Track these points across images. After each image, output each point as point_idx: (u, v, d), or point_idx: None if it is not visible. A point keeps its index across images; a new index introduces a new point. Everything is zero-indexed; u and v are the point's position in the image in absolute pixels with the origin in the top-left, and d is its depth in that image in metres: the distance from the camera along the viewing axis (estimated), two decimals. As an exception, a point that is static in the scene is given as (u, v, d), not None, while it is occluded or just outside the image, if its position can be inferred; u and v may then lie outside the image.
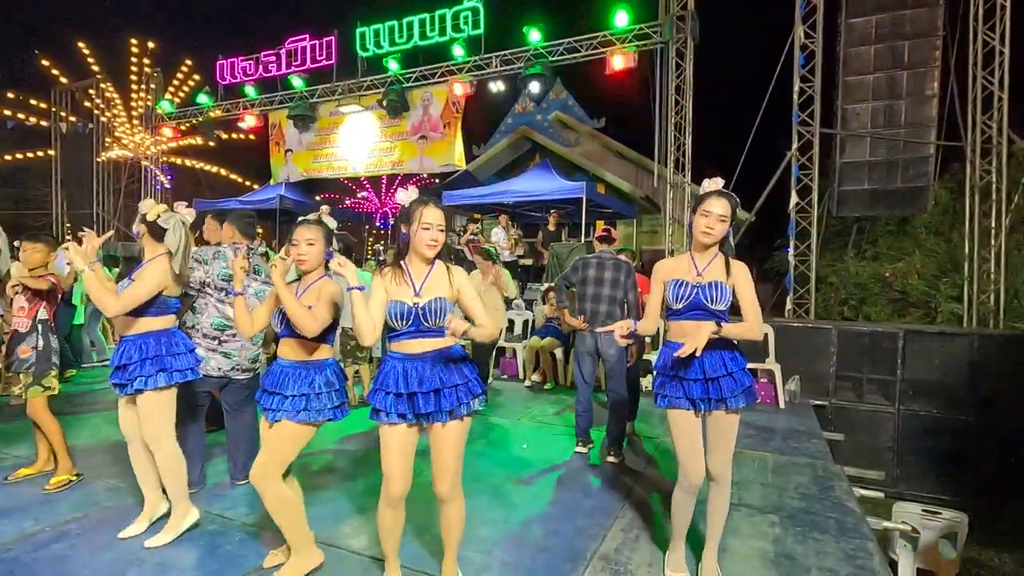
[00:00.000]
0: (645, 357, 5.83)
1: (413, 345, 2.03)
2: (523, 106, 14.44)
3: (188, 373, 2.66)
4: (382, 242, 22.01)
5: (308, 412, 2.17)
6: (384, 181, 22.91)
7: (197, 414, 3.20)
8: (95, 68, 14.10)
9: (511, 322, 7.58)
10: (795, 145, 7.90)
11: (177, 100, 14.33)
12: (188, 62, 14.82)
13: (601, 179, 12.37)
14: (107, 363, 7.02)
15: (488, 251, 5.41)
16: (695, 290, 2.22)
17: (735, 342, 2.29)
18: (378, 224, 22.58)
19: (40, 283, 3.30)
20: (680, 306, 2.26)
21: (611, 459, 3.89)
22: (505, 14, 10.52)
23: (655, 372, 2.39)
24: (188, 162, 15.85)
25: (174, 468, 2.61)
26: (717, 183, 2.29)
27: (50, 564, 2.42)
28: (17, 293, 3.30)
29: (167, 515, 2.72)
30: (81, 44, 13.90)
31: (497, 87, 10.27)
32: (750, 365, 5.79)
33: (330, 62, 11.36)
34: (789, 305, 7.99)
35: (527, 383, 6.49)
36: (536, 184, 9.74)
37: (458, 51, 10.16)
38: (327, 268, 2.28)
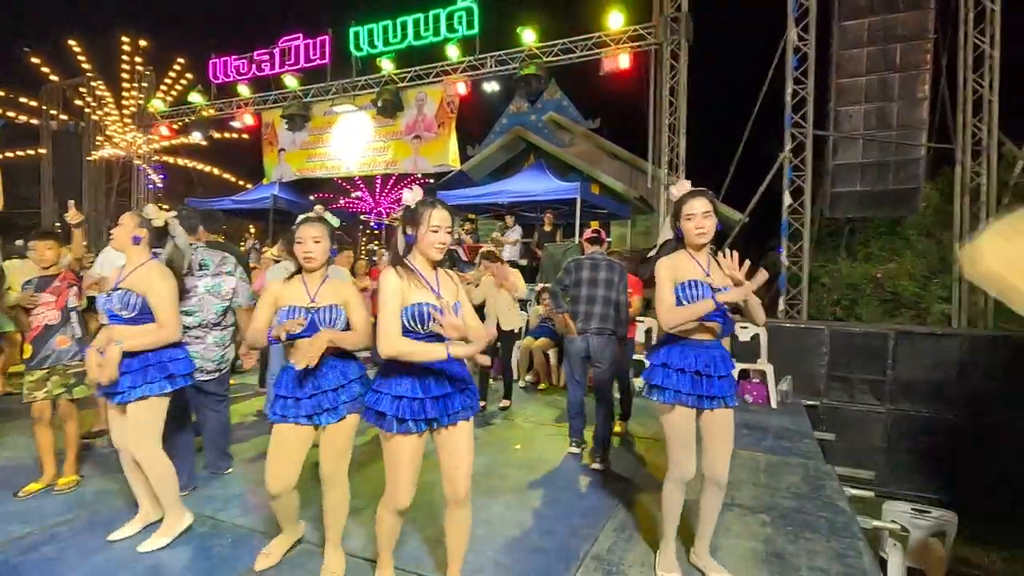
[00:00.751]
0: (637, 357, 5.86)
1: (436, 348, 1.94)
2: (517, 106, 14.45)
3: (186, 379, 2.64)
4: (376, 242, 21.98)
5: (357, 401, 2.25)
6: (378, 181, 22.87)
7: (185, 416, 3.19)
8: (86, 66, 14.00)
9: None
10: (788, 147, 7.94)
11: (169, 99, 14.25)
12: (180, 60, 14.76)
13: (595, 180, 12.40)
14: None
15: (494, 254, 5.41)
16: (711, 291, 2.23)
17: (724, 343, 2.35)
18: (372, 224, 22.54)
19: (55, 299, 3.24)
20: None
21: (596, 465, 3.83)
22: (500, 14, 10.53)
23: (651, 365, 2.39)
24: (180, 161, 15.77)
25: (163, 474, 2.56)
26: (685, 185, 2.34)
27: (39, 567, 2.40)
28: (34, 296, 3.23)
29: (160, 520, 2.69)
30: (72, 42, 13.80)
31: (491, 87, 10.27)
32: (744, 365, 5.86)
33: (324, 61, 11.32)
34: (782, 305, 8.03)
35: (521, 384, 6.50)
36: (531, 184, 9.75)
37: (452, 51, 10.15)
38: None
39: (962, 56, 7.46)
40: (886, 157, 7.40)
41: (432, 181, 14.55)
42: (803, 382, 6.17)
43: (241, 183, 16.54)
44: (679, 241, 2.37)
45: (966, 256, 1.19)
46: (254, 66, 11.92)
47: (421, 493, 2.34)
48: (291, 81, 11.65)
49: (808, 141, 7.87)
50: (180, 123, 13.52)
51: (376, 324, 1.95)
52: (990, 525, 4.95)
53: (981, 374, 5.71)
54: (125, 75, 14.28)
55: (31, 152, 14.55)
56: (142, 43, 14.22)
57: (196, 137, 12.91)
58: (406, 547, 2.57)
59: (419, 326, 1.92)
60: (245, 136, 13.58)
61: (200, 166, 16.26)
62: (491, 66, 10.05)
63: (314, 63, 11.40)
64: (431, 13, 10.17)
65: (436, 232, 1.97)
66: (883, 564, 3.35)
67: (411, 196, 2.04)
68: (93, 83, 13.99)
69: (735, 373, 2.38)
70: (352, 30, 10.92)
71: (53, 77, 14.09)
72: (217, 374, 3.23)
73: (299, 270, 2.33)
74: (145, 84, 14.02)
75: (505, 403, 5.39)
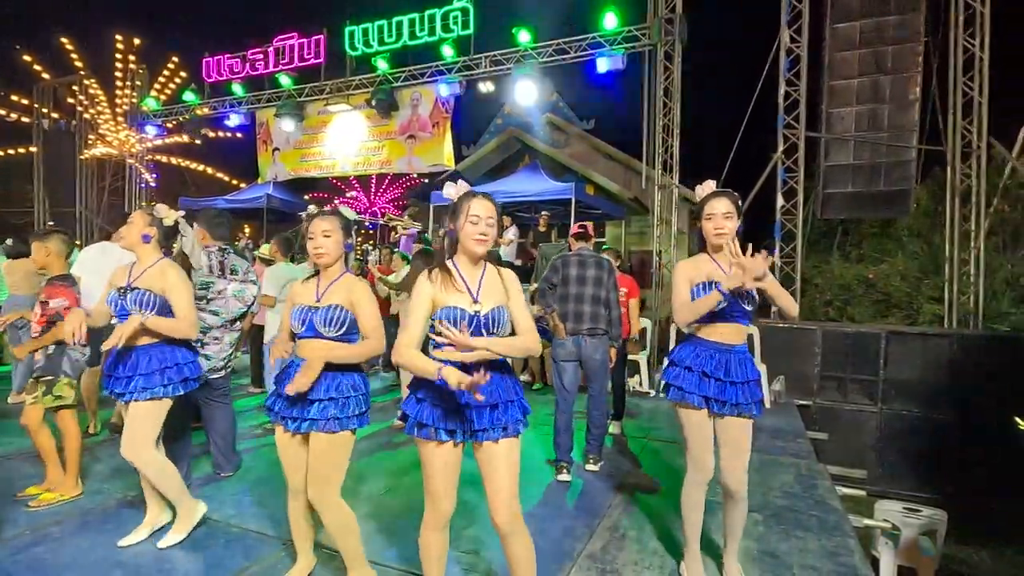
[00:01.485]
0: (632, 358, 5.88)
1: (468, 356, 1.76)
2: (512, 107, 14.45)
3: (191, 384, 2.62)
4: (371, 242, 21.91)
5: (339, 420, 2.06)
6: (373, 181, 22.82)
7: (187, 416, 3.22)
8: (78, 64, 13.89)
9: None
10: (781, 148, 7.99)
11: (163, 97, 14.15)
12: (174, 59, 14.65)
13: (590, 180, 12.41)
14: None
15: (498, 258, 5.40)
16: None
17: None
18: (367, 224, 22.47)
19: (50, 336, 3.07)
20: (723, 305, 2.20)
21: (591, 467, 3.75)
22: (495, 15, 10.52)
23: (669, 363, 2.35)
24: (174, 160, 15.66)
25: (161, 472, 2.55)
26: (710, 185, 2.31)
27: (30, 568, 2.38)
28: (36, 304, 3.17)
29: (170, 523, 2.68)
30: (64, 40, 13.69)
31: (486, 87, 10.27)
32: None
33: (318, 61, 11.29)
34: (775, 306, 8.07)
35: (515, 383, 6.49)
36: (525, 185, 9.75)
37: (447, 51, 10.14)
38: (346, 262, 2.24)
39: (952, 59, 7.54)
40: (877, 159, 7.46)
41: (427, 181, 14.53)
42: (796, 382, 6.21)
43: (234, 182, 16.45)
44: (701, 243, 2.32)
45: None
46: (248, 65, 11.86)
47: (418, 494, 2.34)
48: (285, 80, 11.61)
49: (801, 143, 7.92)
50: (173, 122, 13.44)
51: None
52: (980, 524, 5.00)
53: (972, 374, 5.77)
54: (118, 73, 14.17)
55: (22, 150, 14.42)
56: (135, 41, 14.11)
57: (193, 135, 12.84)
58: (403, 547, 2.58)
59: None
60: (239, 135, 13.51)
61: (193, 165, 16.15)
62: (486, 66, 10.05)
63: (308, 62, 11.35)
64: (426, 13, 10.15)
65: (476, 224, 1.80)
66: (875, 562, 3.38)
67: (453, 190, 1.89)
68: (86, 81, 13.88)
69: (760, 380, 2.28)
70: (347, 29, 10.89)
71: (45, 75, 13.98)
72: (225, 371, 3.36)
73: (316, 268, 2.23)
74: (139, 82, 13.91)
75: None
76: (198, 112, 12.60)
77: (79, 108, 13.92)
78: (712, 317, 2.23)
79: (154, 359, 2.49)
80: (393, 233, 10.12)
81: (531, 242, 9.84)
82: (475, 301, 1.81)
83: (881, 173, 7.45)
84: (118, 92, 14.25)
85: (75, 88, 13.87)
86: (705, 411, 2.24)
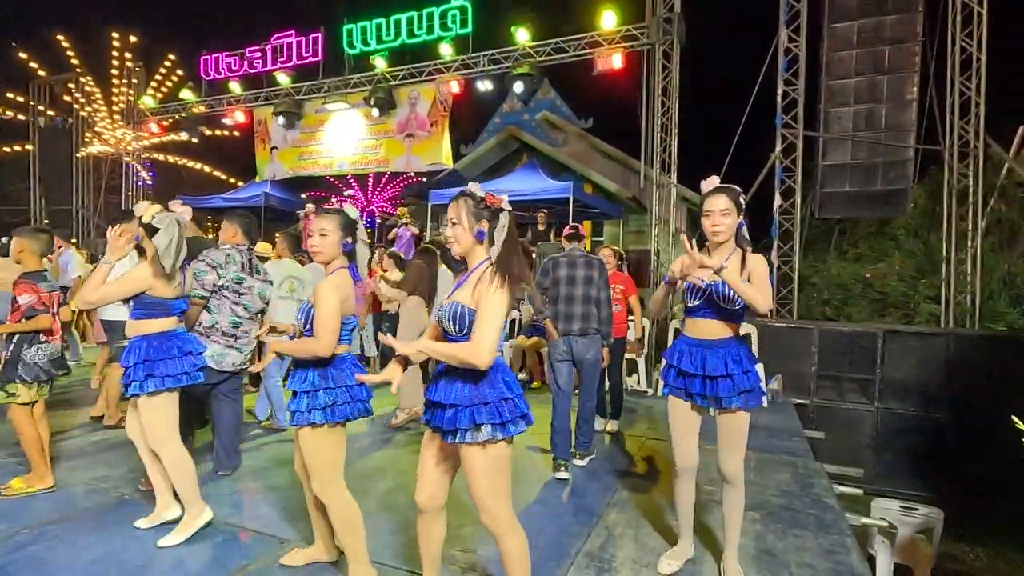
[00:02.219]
0: (629, 356, 5.88)
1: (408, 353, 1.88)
2: (510, 105, 14.43)
3: (183, 378, 2.60)
4: (369, 241, 21.86)
5: (302, 414, 2.09)
6: (371, 179, 22.77)
7: (192, 412, 3.28)
8: (75, 61, 13.83)
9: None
10: (778, 147, 8.00)
11: (160, 95, 14.12)
12: (171, 57, 14.61)
13: (588, 179, 12.40)
14: (78, 362, 6.94)
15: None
16: (709, 287, 2.23)
17: (742, 341, 2.33)
18: (364, 223, 22.42)
19: (37, 323, 3.12)
20: (696, 303, 2.28)
21: (578, 462, 3.77)
22: (493, 13, 10.51)
23: (665, 363, 2.43)
24: (171, 158, 15.62)
25: (182, 469, 2.58)
26: (712, 182, 2.33)
27: (28, 566, 2.38)
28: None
29: (176, 520, 2.68)
30: (60, 37, 13.63)
31: (485, 86, 10.26)
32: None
33: (316, 59, 11.26)
34: (772, 305, 8.09)
35: (513, 382, 6.49)
36: (524, 184, 9.75)
37: (446, 49, 10.13)
38: (351, 260, 2.27)
39: (949, 59, 7.56)
40: (875, 158, 7.48)
41: (425, 180, 14.52)
42: (793, 381, 6.23)
43: (232, 181, 16.42)
44: (702, 240, 2.34)
45: None
46: (246, 63, 11.83)
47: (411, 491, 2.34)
48: (283, 78, 11.58)
49: (799, 142, 7.94)
50: (170, 120, 13.41)
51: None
52: (976, 522, 5.02)
53: (968, 373, 5.79)
54: (115, 71, 14.12)
55: (19, 148, 14.36)
56: (132, 38, 14.06)
57: (190, 133, 12.79)
58: (399, 546, 2.58)
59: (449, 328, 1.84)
60: (236, 133, 13.48)
61: (191, 163, 16.11)
62: (484, 65, 10.04)
63: (306, 60, 11.33)
64: (425, 11, 10.14)
65: (447, 226, 1.89)
66: (871, 561, 3.39)
67: (478, 188, 1.93)
68: (82, 79, 13.82)
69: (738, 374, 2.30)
70: (345, 27, 10.87)
71: (41, 72, 13.92)
72: (250, 363, 3.43)
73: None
74: (135, 80, 13.87)
75: None
76: (195, 110, 12.57)
77: (75, 106, 13.88)
78: (691, 314, 2.32)
79: (133, 354, 2.53)
80: (387, 233, 10.10)
81: (529, 241, 9.84)
82: (448, 297, 1.88)
83: (878, 172, 7.47)
84: (115, 90, 14.21)
85: (71, 85, 13.83)
86: (688, 404, 2.32)
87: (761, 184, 8.19)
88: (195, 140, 13.14)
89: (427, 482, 1.92)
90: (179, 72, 14.48)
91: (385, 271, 6.18)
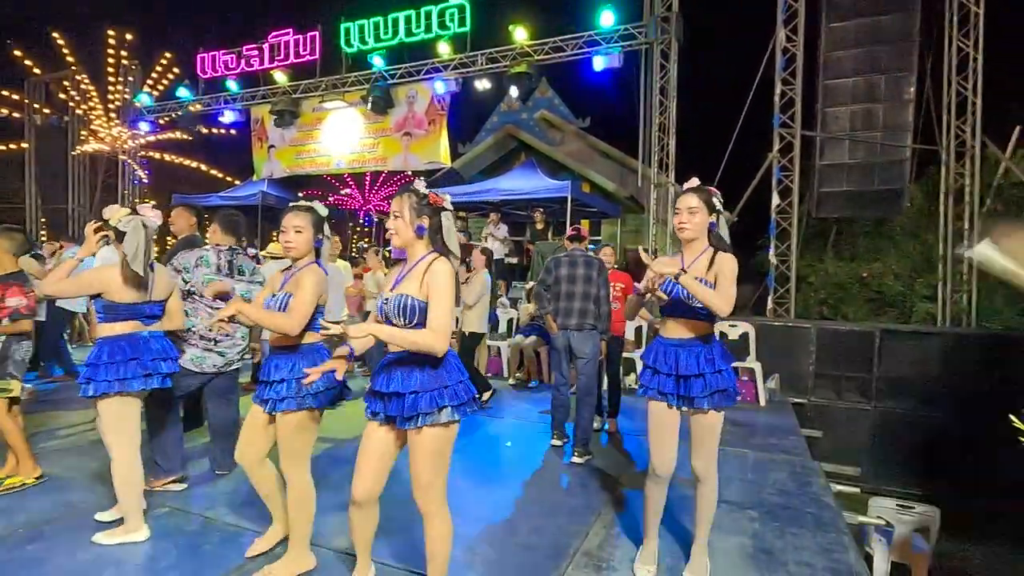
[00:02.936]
0: (626, 355, 5.89)
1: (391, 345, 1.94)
2: (508, 104, 14.42)
3: (148, 380, 2.55)
4: (366, 239, 21.85)
5: (291, 399, 2.18)
6: (368, 178, 22.74)
7: (174, 405, 3.23)
8: (70, 59, 13.76)
9: (496, 320, 7.59)
10: (776, 147, 8.01)
11: (156, 93, 14.06)
12: (167, 55, 14.56)
13: (586, 178, 12.41)
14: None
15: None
16: (674, 286, 2.23)
17: (718, 339, 2.34)
18: (362, 221, 22.40)
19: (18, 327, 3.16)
20: (667, 302, 2.30)
21: (576, 459, 3.84)
22: (491, 12, 10.49)
23: (644, 364, 2.43)
24: (167, 157, 15.56)
25: (125, 477, 2.52)
26: (693, 182, 2.37)
27: (24, 566, 2.37)
28: None
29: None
30: (56, 34, 13.56)
31: (483, 85, 10.24)
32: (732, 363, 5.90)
33: (314, 57, 11.23)
34: (770, 304, 8.11)
35: (511, 381, 6.51)
36: (521, 183, 9.75)
37: (444, 48, 10.11)
38: (317, 256, 2.35)
39: (946, 59, 7.58)
40: (872, 158, 7.49)
41: (423, 178, 14.49)
42: (790, 380, 6.24)
43: (229, 179, 16.37)
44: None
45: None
46: (243, 61, 11.77)
47: (403, 490, 2.33)
48: (280, 77, 11.54)
49: (796, 141, 7.95)
50: (167, 118, 13.35)
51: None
52: (973, 520, 5.04)
53: (965, 372, 5.81)
54: (111, 69, 14.05)
55: (14, 147, 14.28)
56: (128, 36, 13.99)
57: (187, 131, 12.74)
58: (394, 544, 2.57)
59: (387, 318, 1.91)
60: (233, 132, 13.43)
61: (188, 162, 16.05)
62: (482, 64, 10.02)
63: (304, 59, 11.29)
64: (423, 10, 10.12)
65: (390, 219, 1.96)
66: (868, 559, 3.40)
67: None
68: (78, 77, 13.75)
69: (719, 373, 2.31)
70: (343, 26, 10.84)
71: (37, 70, 13.85)
72: (239, 364, 3.40)
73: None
74: (131, 78, 13.80)
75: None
76: (192, 108, 12.52)
77: (71, 104, 13.80)
78: (667, 315, 2.33)
79: (94, 355, 2.52)
80: (386, 233, 10.07)
81: (528, 240, 9.84)
82: (391, 289, 1.92)
83: (875, 172, 7.49)
84: (111, 88, 14.14)
85: (67, 83, 13.76)
86: (664, 404, 2.32)
87: (759, 183, 8.20)
88: (192, 138, 13.09)
89: (369, 475, 1.98)
90: (175, 70, 14.43)
91: (370, 269, 6.17)
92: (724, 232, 2.33)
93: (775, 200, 8.08)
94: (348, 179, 22.72)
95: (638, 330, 6.49)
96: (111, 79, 14.09)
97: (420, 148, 10.83)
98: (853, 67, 7.50)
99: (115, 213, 2.56)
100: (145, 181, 14.43)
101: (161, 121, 13.50)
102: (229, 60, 11.91)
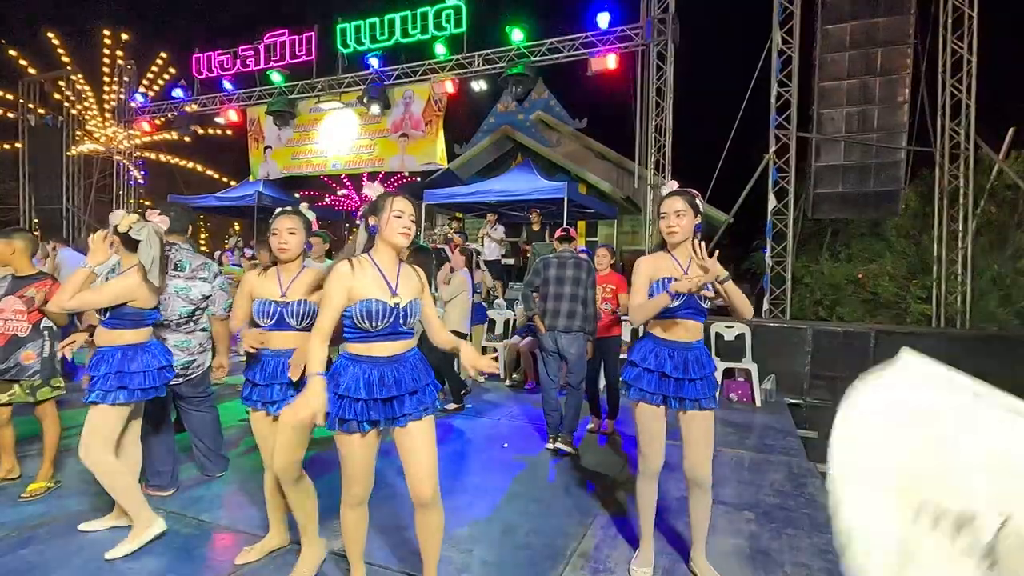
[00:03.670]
0: (623, 357, 5.88)
1: (386, 347, 1.91)
2: (505, 105, 14.43)
3: (151, 392, 2.56)
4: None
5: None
6: (365, 179, 22.72)
7: (163, 418, 3.16)
8: (65, 59, 13.70)
9: (492, 322, 7.58)
10: (772, 148, 8.03)
11: (151, 93, 14.01)
12: (163, 55, 14.51)
13: (582, 179, 12.43)
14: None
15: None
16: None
17: (702, 341, 2.37)
18: (358, 222, 22.31)
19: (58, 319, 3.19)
20: (676, 303, 2.26)
21: (562, 445, 4.01)
22: (488, 13, 10.51)
23: (629, 362, 2.42)
24: (163, 157, 15.50)
25: (111, 480, 2.49)
26: (671, 185, 2.39)
27: (17, 570, 2.35)
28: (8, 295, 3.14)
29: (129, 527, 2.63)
30: (51, 34, 13.50)
31: (479, 86, 10.25)
32: (728, 364, 5.91)
33: (310, 58, 11.21)
34: (766, 305, 8.13)
35: (507, 383, 6.50)
36: (518, 184, 9.75)
37: (440, 49, 10.11)
38: (305, 258, 2.44)
39: (941, 61, 7.62)
40: (867, 159, 7.52)
41: (419, 179, 14.49)
42: (787, 381, 6.25)
43: (225, 180, 16.33)
44: (662, 240, 2.39)
45: None
46: (239, 61, 11.74)
47: (395, 490, 2.33)
48: (277, 77, 11.51)
49: (792, 143, 7.97)
50: (162, 118, 13.30)
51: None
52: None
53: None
54: (106, 69, 13.99)
55: (8, 147, 14.20)
56: (124, 36, 13.94)
57: (182, 132, 12.69)
58: (389, 546, 2.57)
59: (368, 323, 1.85)
60: (229, 132, 13.40)
61: (183, 162, 16.00)
62: (479, 65, 10.03)
63: (300, 59, 11.27)
64: (419, 11, 10.11)
65: (400, 217, 1.93)
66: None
67: (372, 189, 2.05)
68: (73, 77, 13.68)
69: (718, 374, 2.36)
70: (339, 27, 10.82)
71: (31, 70, 13.77)
72: (182, 378, 3.13)
73: (275, 262, 2.38)
74: (127, 78, 13.74)
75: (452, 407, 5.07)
76: (188, 108, 12.48)
77: (66, 104, 13.72)
78: (670, 315, 2.30)
79: (104, 362, 2.49)
80: None
81: (524, 240, 9.84)
82: (394, 294, 1.91)
83: (871, 174, 7.52)
84: (106, 88, 14.07)
85: (62, 83, 13.68)
86: (660, 409, 2.33)
87: (754, 185, 8.22)
88: (187, 139, 13.05)
89: (369, 477, 2.02)
90: (171, 70, 14.38)
91: None
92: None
93: (771, 201, 8.10)
94: (345, 180, 22.69)
95: (635, 332, 6.49)
96: (106, 79, 14.03)
97: (417, 149, 10.82)
98: (848, 69, 7.53)
99: (123, 220, 2.50)
100: (140, 182, 14.37)
101: (157, 121, 13.45)
102: (225, 60, 11.88)
